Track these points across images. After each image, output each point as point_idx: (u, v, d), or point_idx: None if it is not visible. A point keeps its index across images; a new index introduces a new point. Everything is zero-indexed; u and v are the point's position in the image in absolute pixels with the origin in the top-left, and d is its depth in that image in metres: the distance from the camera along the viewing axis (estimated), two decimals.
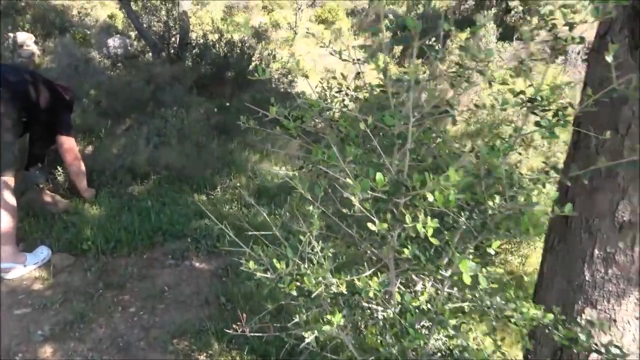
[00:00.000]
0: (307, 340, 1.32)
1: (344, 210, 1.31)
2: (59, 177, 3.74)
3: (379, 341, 1.48)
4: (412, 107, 1.17)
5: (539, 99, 1.10)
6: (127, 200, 3.65)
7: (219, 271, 2.89)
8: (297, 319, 1.41)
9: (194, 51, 6.51)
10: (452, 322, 1.26)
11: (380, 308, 1.44)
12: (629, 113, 1.33)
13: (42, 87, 3.00)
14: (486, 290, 1.21)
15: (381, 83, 1.37)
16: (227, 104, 5.48)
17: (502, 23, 9.71)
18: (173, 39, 6.60)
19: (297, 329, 1.40)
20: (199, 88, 6.03)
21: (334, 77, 1.83)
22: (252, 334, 1.46)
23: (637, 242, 1.38)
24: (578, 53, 7.64)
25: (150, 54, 6.73)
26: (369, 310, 1.47)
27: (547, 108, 1.11)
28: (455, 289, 1.34)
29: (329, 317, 1.27)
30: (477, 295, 1.24)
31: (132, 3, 6.76)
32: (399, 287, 1.48)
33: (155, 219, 3.31)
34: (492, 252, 1.21)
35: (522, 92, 1.16)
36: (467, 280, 1.07)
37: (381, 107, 1.45)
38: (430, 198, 1.06)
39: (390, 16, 10.72)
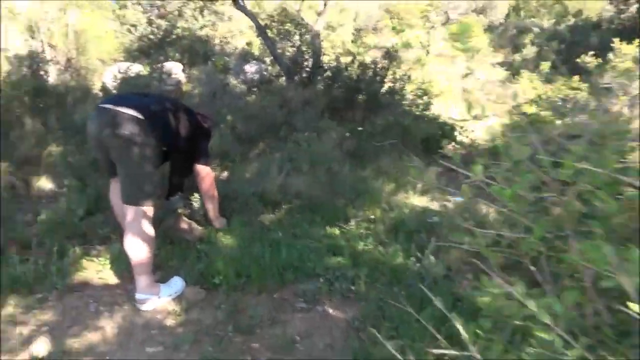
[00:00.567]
0: None
1: None
2: (195, 204, 3.74)
3: None
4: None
5: None
6: (258, 230, 3.51)
7: (355, 323, 2.55)
8: None
9: (325, 74, 6.41)
10: None
11: None
12: None
13: (183, 116, 2.98)
14: None
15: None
16: (360, 128, 5.23)
17: None
18: (306, 63, 6.58)
19: None
20: (331, 112, 5.88)
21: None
22: None
23: None
24: None
25: (284, 78, 6.80)
26: None
27: None
28: None
29: None
30: None
31: (267, 30, 6.92)
32: None
33: (287, 253, 3.09)
34: None
35: None
36: None
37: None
38: None
39: (536, 29, 9.80)
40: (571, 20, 11.38)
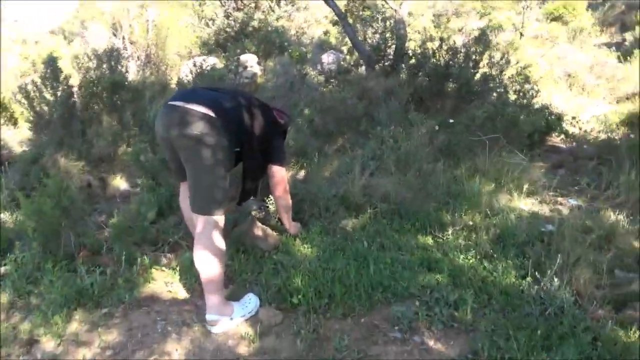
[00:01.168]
0: None
1: None
2: (270, 207, 3.42)
3: None
4: None
5: None
6: (340, 239, 3.11)
7: None
8: None
9: (410, 62, 5.86)
10: None
11: None
12: None
13: (257, 113, 2.63)
14: None
15: None
16: (451, 120, 4.65)
17: None
18: (389, 50, 6.06)
19: None
20: (416, 103, 5.34)
21: None
22: None
23: None
24: None
25: (363, 67, 6.34)
26: None
27: None
28: None
29: None
30: None
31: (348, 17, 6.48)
32: None
33: (375, 268, 2.65)
34: None
35: None
36: None
37: None
38: None
39: None
40: None
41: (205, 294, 2.36)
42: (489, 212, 3.38)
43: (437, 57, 5.51)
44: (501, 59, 5.09)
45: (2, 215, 3.37)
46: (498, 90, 4.94)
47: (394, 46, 6.07)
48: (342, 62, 7.11)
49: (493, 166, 3.93)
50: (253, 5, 9.20)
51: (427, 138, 4.12)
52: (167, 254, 3.02)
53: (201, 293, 2.48)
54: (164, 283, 2.73)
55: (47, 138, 4.24)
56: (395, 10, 6.02)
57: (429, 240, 3.07)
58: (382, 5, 6.72)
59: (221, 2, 9.42)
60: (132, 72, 6.19)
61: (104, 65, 5.05)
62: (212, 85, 2.73)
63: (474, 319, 2.33)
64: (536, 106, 4.61)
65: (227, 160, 2.39)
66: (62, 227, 2.76)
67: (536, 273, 2.51)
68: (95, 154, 4.07)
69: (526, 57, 7.25)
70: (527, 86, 4.85)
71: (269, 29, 8.39)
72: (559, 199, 3.75)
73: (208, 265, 2.31)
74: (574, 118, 4.74)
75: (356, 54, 6.53)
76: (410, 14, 9.85)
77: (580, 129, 4.69)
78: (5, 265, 2.73)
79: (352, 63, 6.75)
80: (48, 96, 4.35)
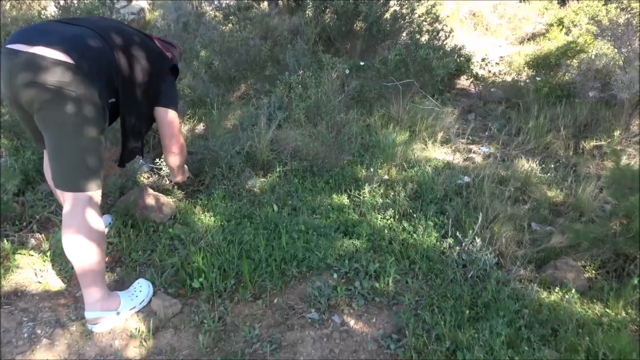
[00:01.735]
0: None
1: None
2: (163, 168, 2.95)
3: None
4: None
5: None
6: (247, 203, 2.76)
7: (388, 342, 1.86)
8: None
9: None
10: None
11: None
12: None
13: (137, 49, 2.03)
14: None
15: None
16: (362, 63, 4.34)
17: None
18: None
19: None
20: (324, 44, 4.95)
21: None
22: None
23: None
24: None
25: (265, 3, 5.75)
26: None
27: None
28: None
29: None
30: None
31: None
32: None
33: (287, 240, 2.35)
34: None
35: None
36: None
37: None
38: None
39: None
40: None
41: (82, 288, 1.91)
42: (405, 165, 3.19)
43: None
44: None
45: None
46: (409, 29, 4.68)
47: None
48: None
49: (407, 114, 3.73)
50: None
51: (338, 84, 3.78)
52: (35, 233, 2.48)
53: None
54: (33, 272, 2.23)
55: None
56: None
57: (345, 200, 2.82)
58: None
59: None
60: None
61: None
62: (70, 18, 2.04)
63: (397, 289, 2.14)
64: (448, 48, 4.44)
65: (100, 118, 1.86)
66: None
67: (457, 233, 2.37)
68: None
69: None
70: (437, 25, 4.63)
71: None
72: (472, 146, 3.67)
73: (83, 253, 1.84)
74: (483, 60, 4.66)
75: None
76: None
77: (489, 71, 4.63)
78: None
79: None
80: None
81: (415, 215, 2.61)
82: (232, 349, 1.84)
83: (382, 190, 2.88)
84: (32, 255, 2.32)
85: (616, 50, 3.59)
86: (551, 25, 6.28)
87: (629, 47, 3.49)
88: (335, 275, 2.21)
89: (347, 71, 4.14)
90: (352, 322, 1.98)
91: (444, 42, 4.43)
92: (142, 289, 2.08)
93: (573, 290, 2.02)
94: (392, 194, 2.84)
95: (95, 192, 1.89)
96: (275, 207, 2.69)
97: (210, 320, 1.94)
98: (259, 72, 4.39)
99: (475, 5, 7.09)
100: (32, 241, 2.44)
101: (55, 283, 2.19)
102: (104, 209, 2.55)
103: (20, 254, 2.30)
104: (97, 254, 1.88)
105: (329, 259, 2.28)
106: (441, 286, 2.10)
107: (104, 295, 1.93)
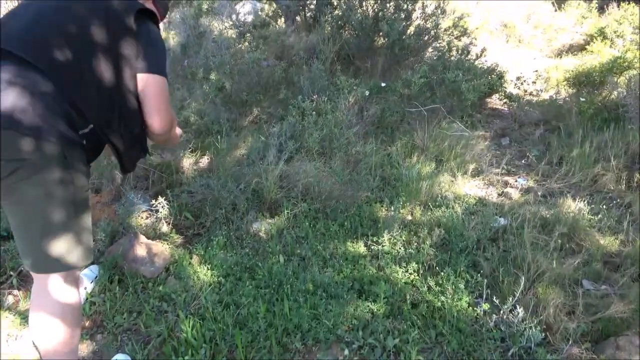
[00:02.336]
0: None
1: None
2: (161, 210, 2.66)
3: None
4: None
5: None
6: (249, 253, 2.44)
7: None
8: None
9: (335, 12, 5.07)
10: None
11: None
12: None
13: (125, 44, 1.45)
14: None
15: None
16: (383, 84, 3.99)
17: None
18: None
19: None
20: (343, 62, 4.63)
21: None
22: None
23: None
24: None
25: (282, 19, 5.48)
26: None
27: None
28: None
29: None
30: None
31: None
32: None
33: (291, 305, 2.01)
34: None
35: None
36: None
37: None
38: None
39: None
40: None
41: None
42: (430, 204, 2.82)
43: (365, 6, 4.75)
44: (436, 8, 4.43)
45: None
46: (434, 45, 4.31)
47: None
48: (259, 13, 6.19)
49: (432, 141, 3.35)
50: None
51: (356, 109, 3.44)
52: (14, 289, 2.22)
53: None
54: (6, 337, 1.95)
55: None
56: None
57: (361, 248, 2.46)
58: None
59: None
60: None
61: None
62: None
63: None
64: (479, 66, 4.03)
65: (81, 173, 1.49)
66: None
67: (493, 297, 1.99)
68: None
69: (460, 6, 6.65)
70: (465, 39, 4.24)
71: None
72: (507, 178, 3.26)
73: (54, 337, 1.51)
74: (518, 79, 4.23)
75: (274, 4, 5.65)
76: None
77: (525, 91, 4.21)
78: None
79: (269, 14, 5.85)
80: None
81: (443, 271, 2.23)
82: None
83: (404, 237, 2.52)
84: (6, 317, 2.05)
85: None
86: (591, 36, 5.80)
87: None
88: (346, 351, 1.85)
89: (367, 93, 3.80)
90: None
91: (475, 62, 4.03)
92: None
93: None
94: (416, 241, 2.47)
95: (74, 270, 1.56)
96: (281, 259, 2.36)
97: None
98: (273, 94, 4.09)
99: (506, 15, 6.66)
100: (10, 298, 2.17)
101: (28, 354, 1.91)
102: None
103: None
104: (71, 335, 1.54)
105: (339, 329, 1.93)
106: None
107: None
